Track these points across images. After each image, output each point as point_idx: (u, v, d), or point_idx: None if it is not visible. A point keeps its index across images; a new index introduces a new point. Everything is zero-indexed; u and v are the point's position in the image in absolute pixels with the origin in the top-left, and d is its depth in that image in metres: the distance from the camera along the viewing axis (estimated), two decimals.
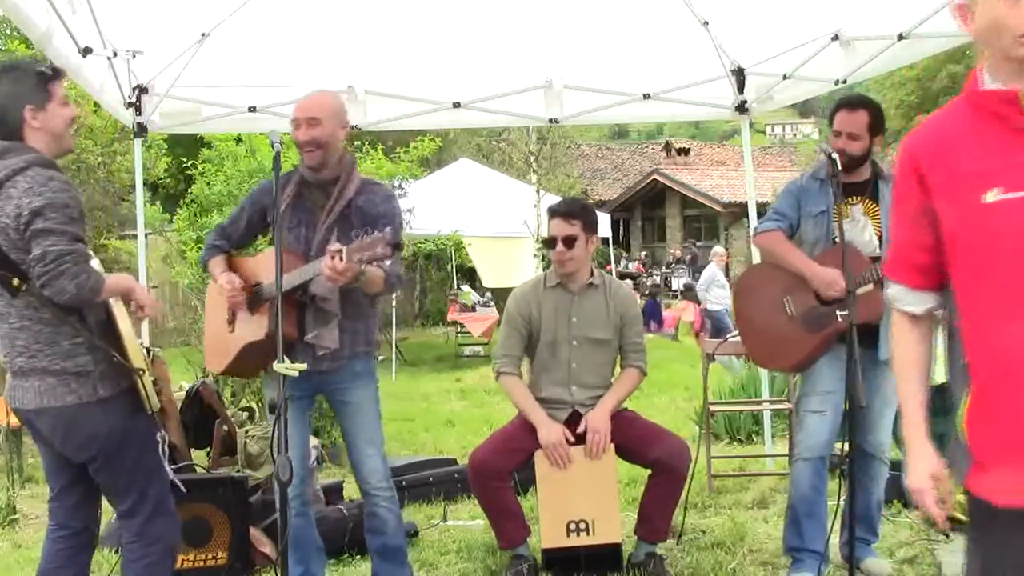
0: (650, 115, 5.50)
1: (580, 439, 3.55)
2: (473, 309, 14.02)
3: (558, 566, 3.57)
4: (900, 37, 4.07)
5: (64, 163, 9.39)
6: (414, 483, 4.83)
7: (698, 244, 24.45)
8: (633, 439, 3.61)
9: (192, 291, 7.12)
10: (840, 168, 3.18)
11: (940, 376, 1.85)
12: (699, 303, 14.56)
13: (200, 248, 4.43)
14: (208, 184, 7.35)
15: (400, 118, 5.16)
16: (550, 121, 5.26)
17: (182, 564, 3.52)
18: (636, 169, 32.01)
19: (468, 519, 4.46)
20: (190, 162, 8.85)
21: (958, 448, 1.68)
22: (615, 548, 3.57)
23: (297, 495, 3.14)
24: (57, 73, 2.63)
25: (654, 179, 29.03)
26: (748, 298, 3.63)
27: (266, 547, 3.77)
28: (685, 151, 32.35)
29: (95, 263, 2.61)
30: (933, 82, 19.12)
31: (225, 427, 4.77)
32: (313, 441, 4.91)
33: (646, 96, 5.12)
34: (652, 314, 15.47)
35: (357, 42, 4.69)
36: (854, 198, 3.40)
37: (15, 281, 2.48)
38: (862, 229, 3.39)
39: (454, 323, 14.12)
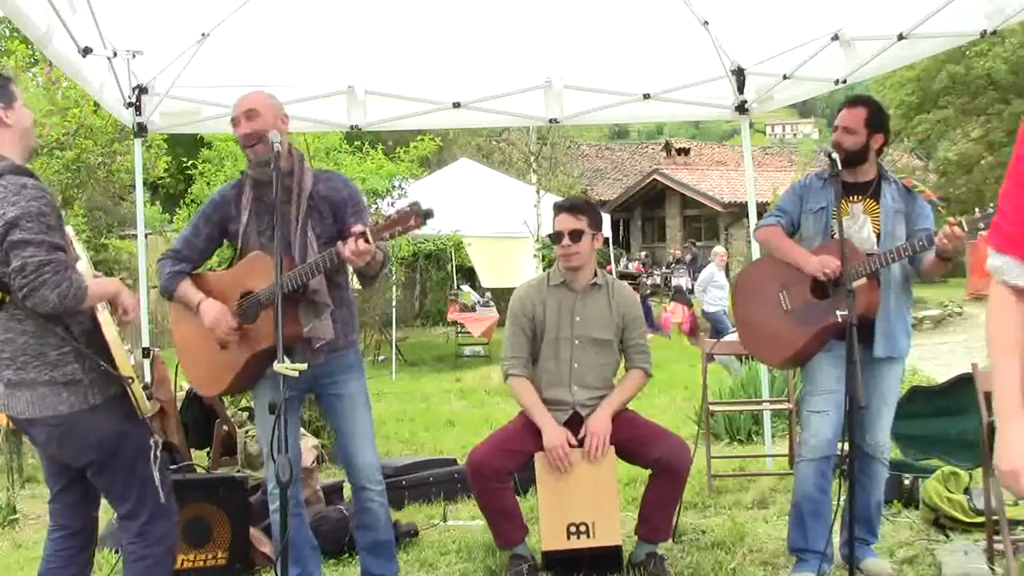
0: (650, 115, 5.49)
1: (583, 443, 3.55)
2: (473, 309, 14.03)
3: (558, 567, 3.57)
4: (900, 37, 4.09)
5: (64, 163, 9.47)
6: (414, 483, 4.83)
7: (698, 244, 24.43)
8: (633, 439, 3.60)
9: None
10: (840, 166, 3.27)
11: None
12: (689, 305, 14.60)
13: None
14: (208, 184, 7.36)
15: (400, 118, 5.17)
16: (550, 121, 5.26)
17: (182, 564, 3.52)
18: (636, 169, 32.02)
19: (468, 519, 4.45)
20: (190, 162, 8.86)
21: None
22: (615, 550, 3.56)
23: (290, 495, 3.14)
24: (11, 77, 2.65)
25: (654, 179, 29.04)
26: (745, 293, 3.68)
27: (266, 547, 3.78)
28: (685, 151, 32.38)
29: (83, 264, 2.58)
30: (933, 82, 19.07)
31: (225, 427, 4.78)
32: (313, 441, 4.92)
33: (646, 96, 5.13)
34: (645, 316, 15.48)
35: (357, 42, 4.69)
36: (856, 196, 3.45)
37: None
38: (861, 226, 3.42)
39: (454, 323, 14.12)
